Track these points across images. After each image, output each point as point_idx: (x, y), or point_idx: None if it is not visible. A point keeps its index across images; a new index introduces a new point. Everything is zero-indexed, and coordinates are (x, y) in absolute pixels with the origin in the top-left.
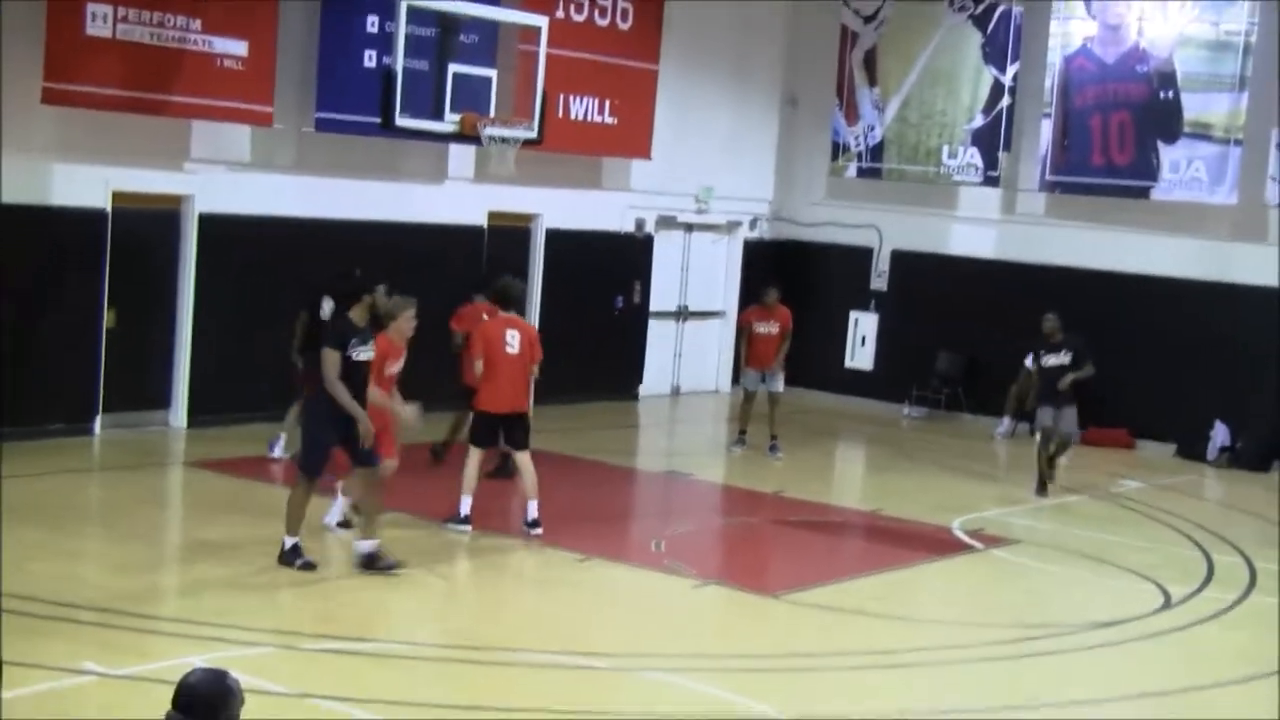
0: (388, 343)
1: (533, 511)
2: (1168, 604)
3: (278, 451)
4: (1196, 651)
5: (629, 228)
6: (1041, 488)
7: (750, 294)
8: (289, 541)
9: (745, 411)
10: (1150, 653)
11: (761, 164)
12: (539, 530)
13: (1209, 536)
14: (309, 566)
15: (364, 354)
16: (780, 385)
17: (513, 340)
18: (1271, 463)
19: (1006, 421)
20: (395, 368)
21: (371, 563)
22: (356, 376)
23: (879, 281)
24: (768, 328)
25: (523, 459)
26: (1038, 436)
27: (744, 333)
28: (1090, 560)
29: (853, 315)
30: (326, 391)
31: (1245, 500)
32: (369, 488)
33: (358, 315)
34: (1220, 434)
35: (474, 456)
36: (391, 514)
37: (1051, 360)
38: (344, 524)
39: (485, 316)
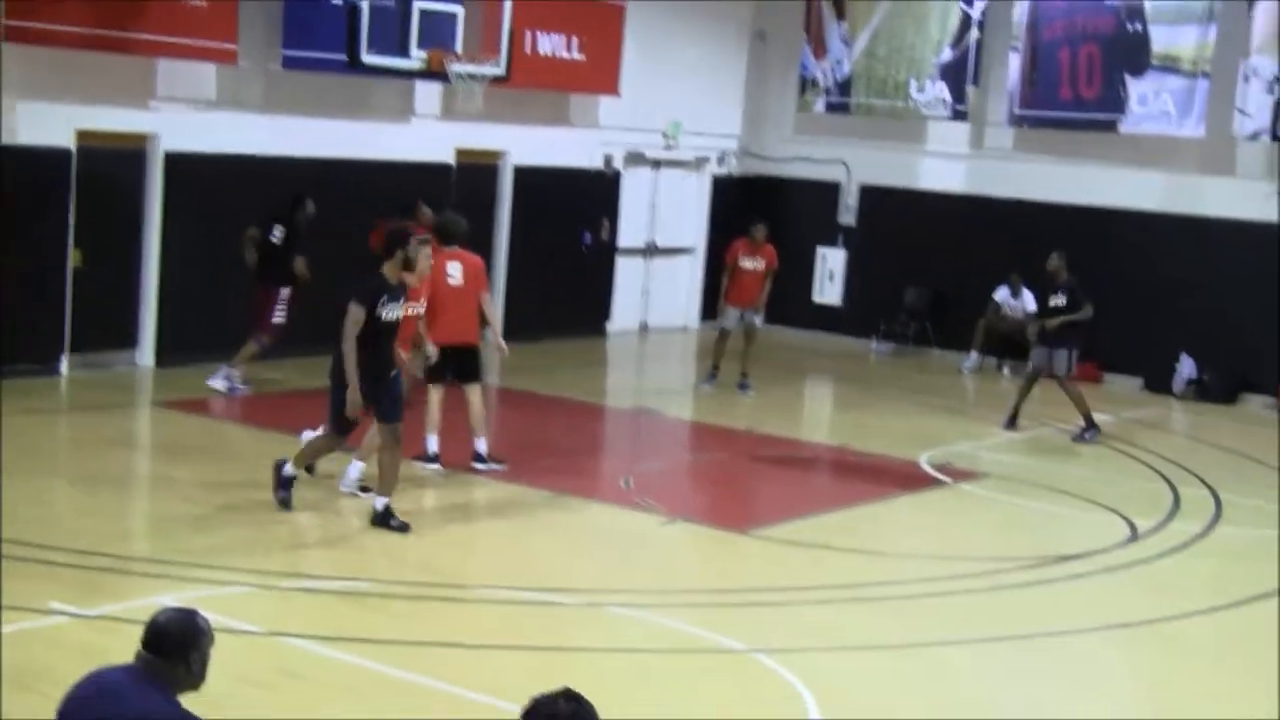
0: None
1: (480, 447)
2: (1134, 536)
3: (218, 383)
4: (1162, 583)
5: (597, 164)
6: (1011, 421)
7: (720, 230)
8: (290, 470)
9: (720, 349)
10: (1117, 585)
11: (730, 100)
12: (486, 465)
13: (1175, 469)
14: (286, 504)
15: (394, 312)
16: (759, 322)
17: (454, 272)
18: (1238, 395)
19: (974, 356)
20: (416, 309)
21: (385, 520)
22: (385, 336)
23: (847, 217)
24: (754, 264)
25: (472, 393)
26: (1008, 372)
27: (729, 268)
28: (1057, 493)
29: (820, 251)
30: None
31: (1211, 433)
32: (389, 444)
33: (390, 271)
34: (1187, 367)
35: (432, 394)
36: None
37: (1052, 301)
38: (365, 488)
39: None
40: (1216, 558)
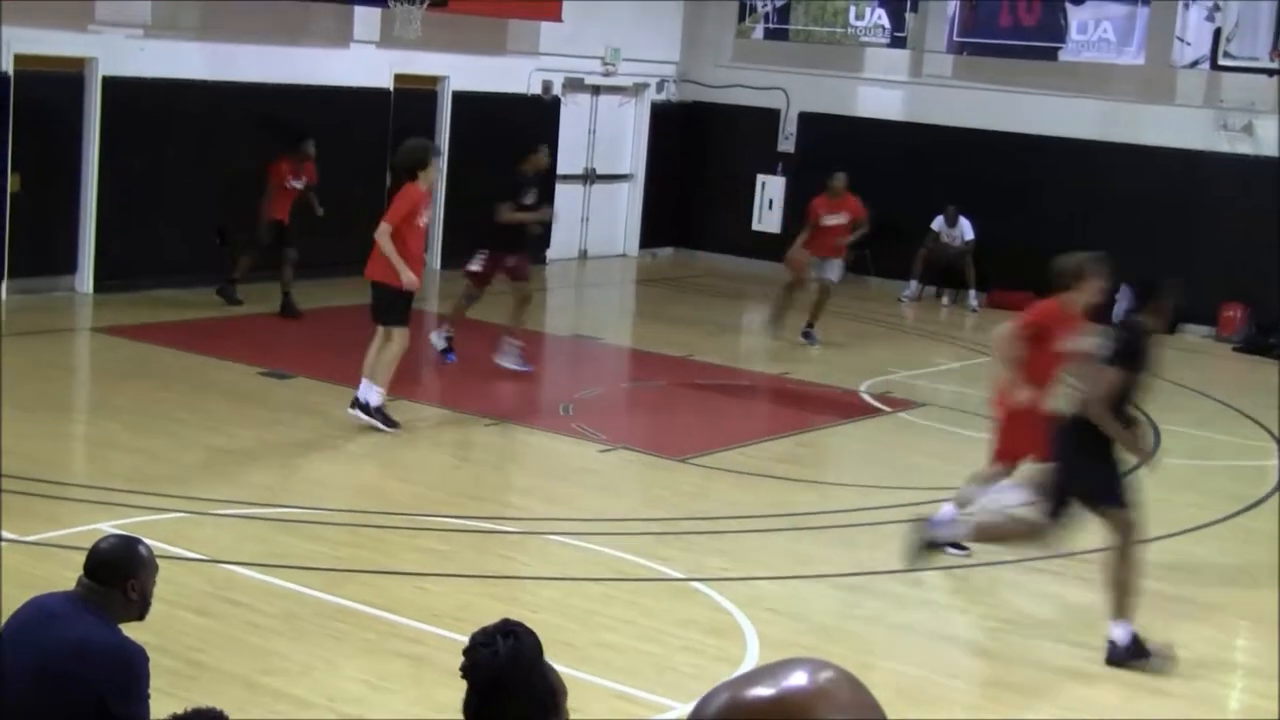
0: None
1: (361, 392)
2: None
3: (509, 361)
4: None
5: (536, 90)
6: None
7: (659, 157)
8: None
9: (820, 301)
10: None
11: (669, 26)
12: (355, 413)
13: None
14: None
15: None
16: (838, 275)
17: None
18: (1176, 325)
19: (913, 285)
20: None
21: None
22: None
23: (786, 144)
24: (837, 219)
25: (391, 336)
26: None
27: (810, 225)
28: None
29: (760, 178)
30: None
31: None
32: (1126, 549)
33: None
34: (1126, 297)
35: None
36: (307, 380)
37: None
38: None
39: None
40: (1155, 488)
